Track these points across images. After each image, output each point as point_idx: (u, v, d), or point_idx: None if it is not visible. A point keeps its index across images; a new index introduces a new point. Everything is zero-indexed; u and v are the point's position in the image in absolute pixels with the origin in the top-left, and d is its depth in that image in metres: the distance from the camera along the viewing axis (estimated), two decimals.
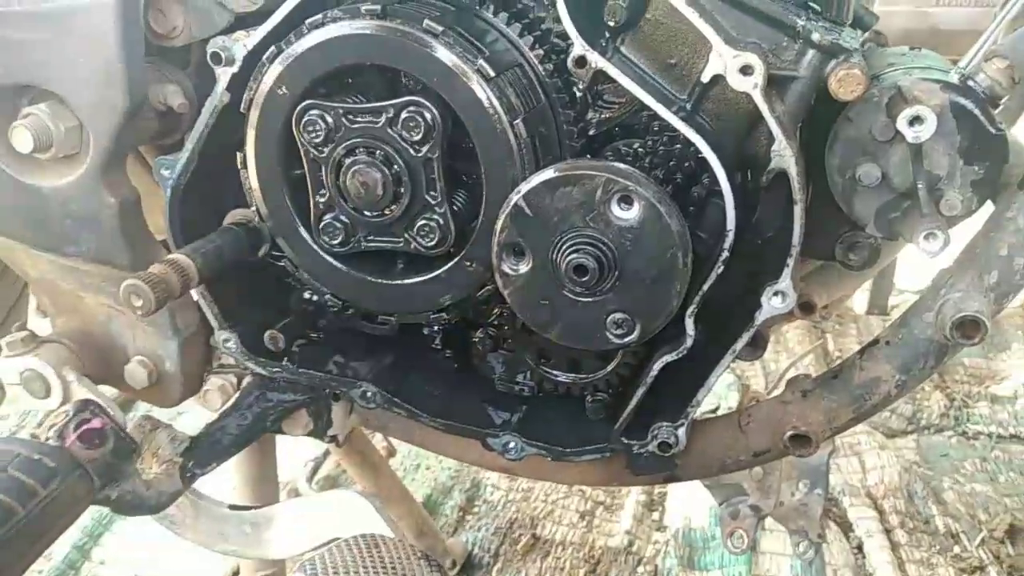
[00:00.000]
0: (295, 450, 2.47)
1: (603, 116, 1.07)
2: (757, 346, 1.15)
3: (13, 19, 1.12)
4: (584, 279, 0.97)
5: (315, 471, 2.47)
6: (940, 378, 2.84)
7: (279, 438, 1.79)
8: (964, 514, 2.31)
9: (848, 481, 2.41)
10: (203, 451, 1.24)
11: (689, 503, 2.31)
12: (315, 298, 1.26)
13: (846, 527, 2.27)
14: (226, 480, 1.70)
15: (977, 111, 0.96)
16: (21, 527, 0.95)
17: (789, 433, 1.12)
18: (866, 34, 1.33)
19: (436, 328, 1.26)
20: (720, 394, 2.69)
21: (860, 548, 2.20)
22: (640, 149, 1.08)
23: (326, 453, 2.50)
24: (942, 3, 2.24)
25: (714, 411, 2.57)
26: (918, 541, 2.21)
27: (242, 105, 1.09)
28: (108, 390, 1.40)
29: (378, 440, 2.17)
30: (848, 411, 1.11)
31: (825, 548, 2.13)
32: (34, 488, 0.98)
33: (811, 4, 1.02)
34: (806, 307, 1.45)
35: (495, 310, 1.22)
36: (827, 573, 2.11)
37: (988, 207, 1.05)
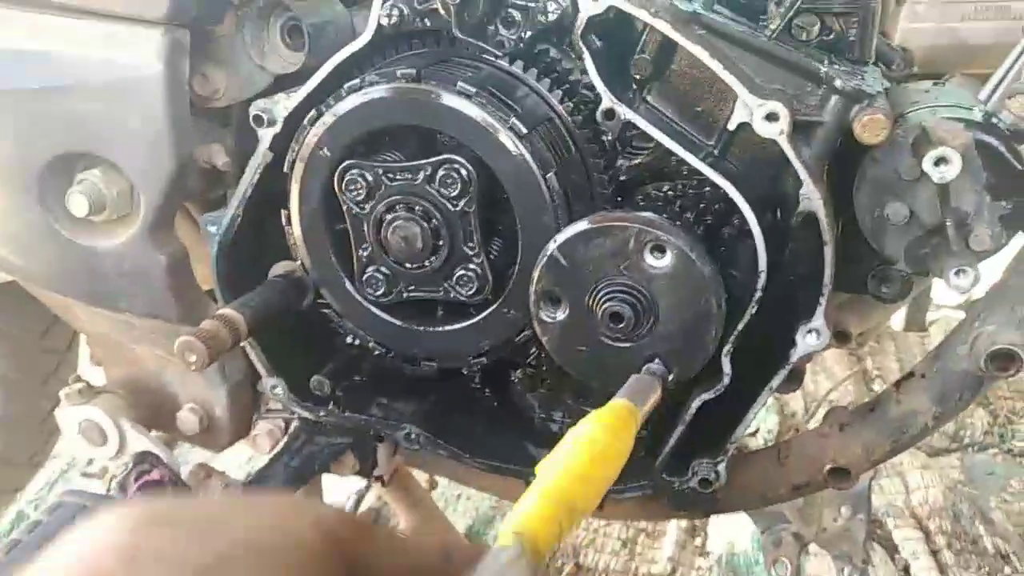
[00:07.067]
0: (338, 483, 2.51)
1: (633, 162, 1.10)
2: (794, 379, 1.16)
3: (67, 92, 1.18)
4: (620, 326, 0.99)
5: (358, 503, 2.50)
6: (983, 395, 2.81)
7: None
8: (1014, 533, 2.27)
9: (892, 502, 2.38)
10: None
11: (731, 528, 2.30)
12: (359, 343, 1.30)
13: (891, 549, 2.24)
14: None
15: (1002, 148, 0.97)
16: None
17: (828, 467, 1.13)
18: (893, 65, 1.35)
19: (476, 368, 1.30)
20: (759, 416, 2.68)
21: (907, 570, 2.18)
22: (671, 192, 1.10)
23: (368, 485, 2.53)
24: (967, 18, 2.22)
25: (753, 434, 2.56)
26: (967, 562, 2.18)
27: (285, 166, 1.13)
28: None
29: (420, 472, 2.20)
30: (886, 444, 1.12)
31: (871, 570, 2.12)
32: None
33: (833, 47, 1.04)
34: (841, 336, 1.46)
35: (533, 351, 1.25)
36: None
37: (1019, 239, 1.05)
